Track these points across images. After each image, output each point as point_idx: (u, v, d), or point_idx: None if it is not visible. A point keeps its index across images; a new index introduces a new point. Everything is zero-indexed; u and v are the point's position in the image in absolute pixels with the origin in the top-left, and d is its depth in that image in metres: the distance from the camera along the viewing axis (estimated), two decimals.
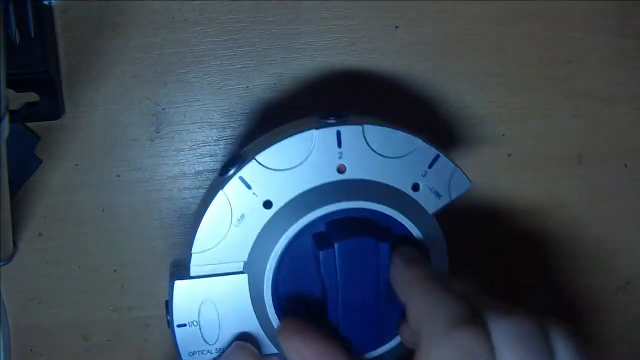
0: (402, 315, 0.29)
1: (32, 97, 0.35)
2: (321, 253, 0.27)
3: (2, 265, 0.36)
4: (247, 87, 0.36)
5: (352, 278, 0.28)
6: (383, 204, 0.28)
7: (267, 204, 0.28)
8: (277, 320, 0.29)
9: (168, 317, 0.29)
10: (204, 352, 0.29)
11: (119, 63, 0.36)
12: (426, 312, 0.25)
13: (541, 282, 0.40)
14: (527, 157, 0.39)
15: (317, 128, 0.28)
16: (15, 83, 0.34)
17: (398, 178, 0.29)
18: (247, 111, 0.37)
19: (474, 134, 0.38)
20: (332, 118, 0.29)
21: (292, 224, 0.28)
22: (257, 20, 0.36)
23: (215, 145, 0.37)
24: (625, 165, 0.40)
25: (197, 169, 0.37)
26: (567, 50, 0.38)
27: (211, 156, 0.37)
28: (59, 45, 0.35)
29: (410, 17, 0.36)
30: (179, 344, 0.29)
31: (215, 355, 0.29)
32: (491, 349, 0.23)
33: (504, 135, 0.38)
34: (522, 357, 0.23)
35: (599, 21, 0.38)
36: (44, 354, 0.38)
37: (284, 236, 0.28)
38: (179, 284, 0.29)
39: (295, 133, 0.28)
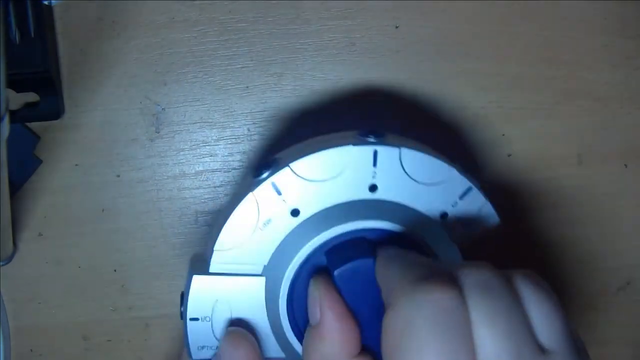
0: None
1: (32, 97, 0.35)
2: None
3: (2, 265, 0.36)
4: (247, 87, 0.36)
5: (361, 301, 0.27)
6: (410, 229, 0.28)
7: (295, 212, 0.28)
8: (289, 327, 0.29)
9: (182, 309, 0.29)
10: (213, 348, 0.30)
11: (119, 63, 0.36)
12: (397, 276, 0.24)
13: None
14: (527, 157, 0.39)
15: (354, 144, 0.28)
16: (15, 83, 0.34)
17: (428, 205, 0.29)
18: (247, 111, 0.37)
19: (474, 134, 0.38)
20: (371, 136, 0.28)
21: (316, 236, 0.28)
22: (257, 20, 0.36)
23: (215, 145, 0.37)
24: (625, 165, 0.40)
25: (197, 169, 0.37)
26: (567, 50, 0.38)
27: (211, 156, 0.37)
28: (59, 45, 0.35)
29: (410, 17, 0.36)
30: (189, 337, 0.29)
31: None
32: (462, 301, 0.23)
33: (504, 135, 0.38)
34: (491, 305, 0.23)
35: (599, 21, 0.38)
36: (44, 354, 0.38)
37: (307, 246, 0.28)
38: (197, 279, 0.29)
39: (332, 146, 0.28)
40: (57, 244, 0.37)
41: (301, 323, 0.29)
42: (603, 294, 0.41)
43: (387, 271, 0.26)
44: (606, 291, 0.41)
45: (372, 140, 0.28)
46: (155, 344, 0.39)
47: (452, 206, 0.29)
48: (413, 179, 0.28)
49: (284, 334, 0.29)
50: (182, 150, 0.37)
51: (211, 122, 0.37)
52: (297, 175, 0.28)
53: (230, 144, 0.37)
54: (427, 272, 0.24)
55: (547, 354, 0.23)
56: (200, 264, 0.30)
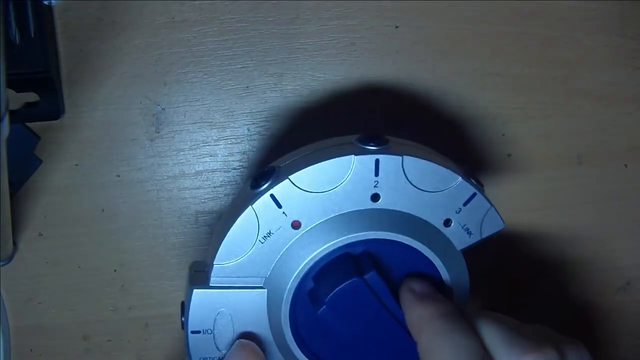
0: None
1: (32, 97, 0.35)
2: (320, 315, 0.28)
3: (2, 265, 0.36)
4: (247, 87, 0.36)
5: (358, 323, 0.28)
6: (413, 238, 0.28)
7: (296, 225, 0.28)
8: (292, 338, 0.29)
9: (183, 319, 0.29)
10: (215, 359, 0.29)
11: (119, 63, 0.35)
12: (434, 354, 0.25)
13: (541, 282, 0.40)
14: (527, 157, 0.39)
15: (356, 154, 0.27)
16: (15, 83, 0.34)
17: (431, 212, 0.29)
18: (247, 111, 0.37)
19: (474, 134, 0.38)
20: (372, 144, 0.28)
21: (318, 248, 0.27)
22: (257, 20, 0.36)
23: (215, 145, 0.37)
24: (625, 165, 0.40)
25: (197, 169, 0.37)
26: (567, 50, 0.38)
27: (211, 156, 0.37)
28: (59, 45, 0.35)
29: (410, 17, 0.36)
30: (191, 349, 0.29)
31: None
32: None
33: (504, 135, 0.38)
34: None
35: (599, 21, 0.38)
36: (44, 354, 0.38)
37: (309, 258, 0.27)
38: (197, 292, 0.28)
39: (333, 157, 0.27)
40: (57, 244, 0.37)
41: (304, 334, 0.29)
42: (603, 294, 0.41)
43: (419, 325, 0.26)
44: (606, 291, 0.41)
45: (373, 148, 0.28)
46: (155, 344, 0.39)
47: (456, 213, 0.29)
48: (416, 187, 0.28)
49: (287, 345, 0.29)
50: (182, 150, 0.37)
51: (211, 122, 0.37)
52: (297, 187, 0.27)
53: (230, 144, 0.37)
54: (466, 356, 0.24)
55: None
56: (200, 275, 0.29)
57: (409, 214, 0.28)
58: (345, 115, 0.37)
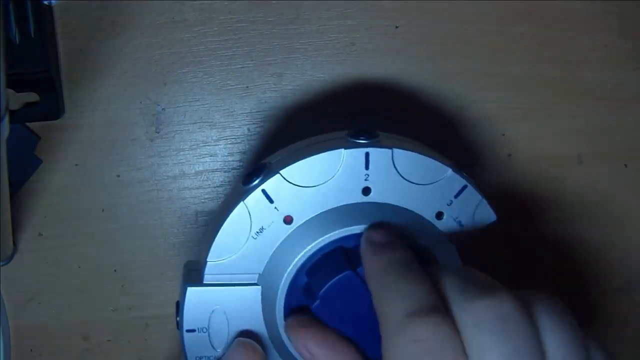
0: None
1: (32, 97, 0.35)
2: (314, 309, 0.27)
3: (2, 265, 0.36)
4: (247, 87, 0.36)
5: (352, 316, 0.27)
6: (404, 231, 0.28)
7: (288, 220, 0.28)
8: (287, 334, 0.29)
9: (178, 319, 0.29)
10: (211, 358, 0.29)
11: (119, 63, 0.35)
12: (384, 301, 0.24)
13: (541, 282, 0.40)
14: (527, 157, 0.39)
15: (346, 148, 0.27)
16: (15, 83, 0.34)
17: (423, 205, 0.29)
18: (247, 111, 0.37)
19: (474, 134, 0.38)
20: (362, 138, 0.28)
21: (311, 242, 0.27)
22: (257, 20, 0.36)
23: (215, 145, 0.37)
24: (625, 165, 0.40)
25: (197, 169, 0.37)
26: (567, 50, 0.38)
27: (211, 156, 0.37)
28: (59, 45, 0.35)
29: (410, 17, 0.36)
30: (186, 348, 0.29)
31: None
32: (455, 338, 0.22)
33: (504, 135, 0.38)
34: (498, 343, 0.22)
35: (599, 21, 0.38)
36: (44, 354, 0.38)
37: (302, 253, 0.27)
38: (191, 291, 0.28)
39: (323, 150, 0.27)
40: (57, 244, 0.37)
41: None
42: (603, 294, 0.41)
43: (371, 274, 0.26)
44: (606, 291, 0.41)
45: (363, 141, 0.28)
46: (155, 344, 0.39)
47: (448, 205, 0.29)
48: (407, 180, 0.28)
49: (282, 342, 0.29)
50: (182, 150, 0.37)
51: (211, 122, 0.37)
52: (289, 182, 0.27)
53: (230, 144, 0.37)
54: (416, 302, 0.23)
55: None
56: (194, 273, 0.29)
57: (400, 206, 0.28)
58: (346, 115, 0.37)
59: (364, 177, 0.28)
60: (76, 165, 0.36)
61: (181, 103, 0.36)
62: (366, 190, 0.28)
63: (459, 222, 0.30)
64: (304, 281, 0.28)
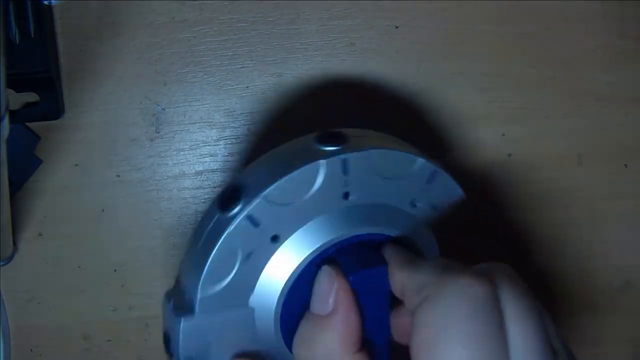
0: None
1: (32, 97, 0.35)
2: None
3: (2, 265, 0.36)
4: (247, 87, 0.36)
5: (366, 303, 0.27)
6: (385, 226, 0.28)
7: (275, 238, 0.27)
8: (285, 350, 0.28)
9: (170, 351, 0.28)
10: None
11: (119, 63, 0.35)
12: (430, 274, 0.25)
13: (541, 282, 0.40)
14: (527, 157, 0.39)
15: (324, 158, 0.27)
16: (15, 83, 0.34)
17: (398, 197, 0.29)
18: (247, 111, 0.37)
19: (474, 134, 0.38)
20: (333, 144, 0.27)
21: (299, 257, 0.27)
22: (257, 20, 0.36)
23: (215, 145, 0.37)
24: (625, 165, 0.40)
25: (197, 169, 0.37)
26: (567, 50, 0.38)
27: (211, 156, 0.37)
28: (59, 45, 0.35)
29: (410, 17, 0.36)
30: None
31: None
32: (496, 296, 0.24)
33: (504, 135, 0.38)
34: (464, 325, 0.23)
35: (599, 21, 0.38)
36: (44, 354, 0.38)
37: (292, 269, 0.27)
38: (186, 323, 0.27)
39: (301, 164, 0.27)
40: (57, 244, 0.37)
41: None
42: (603, 294, 0.41)
43: (413, 272, 0.26)
44: (606, 291, 0.41)
45: (337, 148, 0.27)
46: (155, 344, 0.39)
47: (421, 192, 0.29)
48: (382, 176, 0.28)
49: (277, 358, 0.29)
50: (182, 150, 0.37)
51: (211, 122, 0.37)
52: (272, 203, 0.26)
53: (230, 144, 0.37)
54: (462, 269, 0.25)
55: None
56: (183, 303, 0.28)
57: (378, 203, 0.29)
58: (345, 115, 0.37)
59: (344, 183, 0.27)
60: (76, 165, 0.36)
61: (181, 103, 0.36)
62: (346, 195, 0.28)
63: (433, 207, 0.30)
64: (298, 291, 0.28)
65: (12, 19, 0.32)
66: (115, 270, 0.37)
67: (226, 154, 0.37)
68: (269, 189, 0.26)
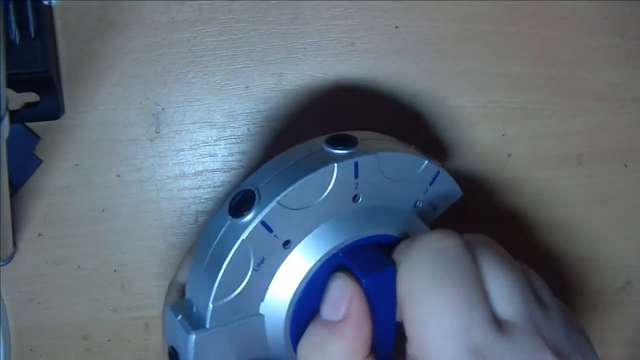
0: None
1: (32, 97, 0.35)
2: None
3: (2, 265, 0.36)
4: (247, 87, 0.36)
5: (377, 308, 0.27)
6: (392, 228, 0.28)
7: (286, 243, 0.27)
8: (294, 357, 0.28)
9: None
10: None
11: (119, 63, 0.36)
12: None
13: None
14: (527, 157, 0.39)
15: (337, 161, 0.26)
16: (15, 83, 0.34)
17: (403, 199, 0.29)
18: (247, 111, 0.37)
19: (474, 134, 0.38)
20: (343, 147, 0.27)
21: (311, 262, 0.27)
22: (257, 20, 0.36)
23: (215, 145, 0.37)
24: (625, 165, 0.40)
25: (197, 169, 0.37)
26: (567, 50, 0.38)
27: (211, 156, 0.37)
28: (59, 45, 0.35)
29: (410, 17, 0.36)
30: None
31: None
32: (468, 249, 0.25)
33: (504, 135, 0.38)
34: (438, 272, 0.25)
35: (599, 21, 0.38)
36: (44, 354, 0.38)
37: (303, 274, 0.27)
38: (197, 339, 0.26)
39: (315, 168, 0.26)
40: (57, 244, 0.37)
41: None
42: (603, 294, 0.41)
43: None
44: (606, 291, 0.41)
45: (348, 151, 0.27)
46: (155, 344, 0.39)
47: (424, 193, 0.30)
48: (389, 178, 0.28)
49: None
50: (182, 150, 0.37)
51: (211, 122, 0.37)
52: (286, 208, 0.26)
53: (230, 144, 0.37)
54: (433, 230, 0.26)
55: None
56: (192, 316, 0.27)
57: (385, 205, 0.29)
58: (345, 115, 0.37)
59: (354, 186, 0.27)
60: (76, 165, 0.36)
61: (181, 103, 0.36)
62: (355, 197, 0.28)
63: (433, 206, 0.31)
64: (308, 296, 0.28)
65: (12, 19, 0.32)
66: (115, 270, 0.38)
67: (226, 154, 0.37)
68: (283, 193, 0.26)
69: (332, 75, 0.37)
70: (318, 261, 0.27)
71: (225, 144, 0.37)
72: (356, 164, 0.27)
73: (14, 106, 0.35)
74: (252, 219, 0.26)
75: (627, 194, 0.40)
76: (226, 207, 0.27)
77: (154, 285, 0.38)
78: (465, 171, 0.38)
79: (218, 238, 0.27)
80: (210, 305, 0.26)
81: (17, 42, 0.32)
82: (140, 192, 0.37)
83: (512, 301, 0.24)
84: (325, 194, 0.27)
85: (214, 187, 0.37)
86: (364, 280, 0.26)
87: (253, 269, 0.26)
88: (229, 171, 0.37)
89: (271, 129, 0.37)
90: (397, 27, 0.37)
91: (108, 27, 0.35)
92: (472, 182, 0.38)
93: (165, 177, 0.37)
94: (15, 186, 0.36)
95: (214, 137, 0.37)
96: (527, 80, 0.38)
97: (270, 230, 0.26)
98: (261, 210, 0.26)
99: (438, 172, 0.30)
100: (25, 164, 0.36)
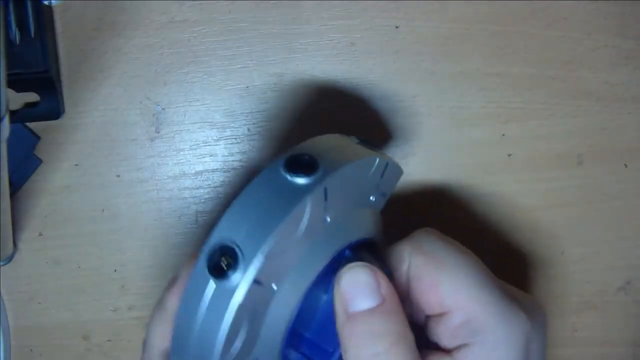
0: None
1: (32, 97, 0.35)
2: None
3: (2, 265, 0.36)
4: (247, 87, 0.36)
5: None
6: (362, 233, 0.28)
7: (271, 290, 0.26)
8: None
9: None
10: None
11: (119, 63, 0.36)
12: None
13: (541, 281, 0.40)
14: (527, 157, 0.39)
15: (308, 193, 0.25)
16: (15, 83, 0.34)
17: (364, 198, 0.29)
18: (247, 111, 0.37)
19: (474, 134, 0.38)
20: (305, 175, 0.25)
21: (294, 299, 0.26)
22: (257, 20, 0.36)
23: (215, 145, 0.37)
24: (625, 165, 0.40)
25: (197, 169, 0.37)
26: (567, 50, 0.38)
27: (211, 156, 0.37)
28: (59, 45, 0.35)
29: (410, 17, 0.36)
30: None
31: None
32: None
33: (504, 135, 0.38)
34: None
35: (599, 21, 0.38)
36: (44, 354, 0.38)
37: (292, 309, 0.26)
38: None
39: (290, 207, 0.24)
40: (57, 244, 0.37)
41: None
42: (603, 294, 0.41)
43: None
44: (606, 291, 0.41)
45: (313, 177, 0.25)
46: None
47: (376, 186, 0.30)
48: (351, 188, 0.28)
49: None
50: (182, 150, 0.37)
51: (211, 122, 0.37)
52: (269, 258, 0.24)
53: (230, 144, 0.37)
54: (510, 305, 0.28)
55: None
56: None
57: (351, 211, 0.28)
58: (345, 115, 0.37)
59: (324, 208, 0.26)
60: (76, 165, 0.36)
61: (181, 103, 0.36)
62: (326, 219, 0.27)
63: (384, 194, 0.30)
64: (300, 324, 0.27)
65: (12, 19, 0.32)
66: (115, 270, 0.38)
67: (226, 154, 0.37)
68: (267, 245, 0.24)
69: (332, 75, 0.37)
70: (300, 297, 0.27)
71: (225, 144, 0.37)
72: (325, 189, 0.25)
73: (14, 106, 0.35)
74: (240, 279, 0.24)
75: (627, 194, 0.40)
76: (203, 266, 0.24)
77: (154, 285, 0.38)
78: (465, 171, 0.38)
79: (207, 304, 0.24)
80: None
81: (17, 42, 0.32)
82: (140, 192, 0.37)
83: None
84: (303, 228, 0.25)
85: (214, 187, 0.37)
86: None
87: (248, 325, 0.25)
88: (229, 171, 0.37)
89: (271, 129, 0.37)
90: (397, 27, 0.37)
91: (108, 27, 0.35)
92: (472, 182, 0.38)
93: (165, 177, 0.37)
94: (15, 186, 0.36)
95: (214, 137, 0.37)
96: (527, 80, 0.38)
97: (259, 283, 0.24)
98: (248, 268, 0.24)
99: (387, 163, 0.29)
100: (25, 164, 0.36)
